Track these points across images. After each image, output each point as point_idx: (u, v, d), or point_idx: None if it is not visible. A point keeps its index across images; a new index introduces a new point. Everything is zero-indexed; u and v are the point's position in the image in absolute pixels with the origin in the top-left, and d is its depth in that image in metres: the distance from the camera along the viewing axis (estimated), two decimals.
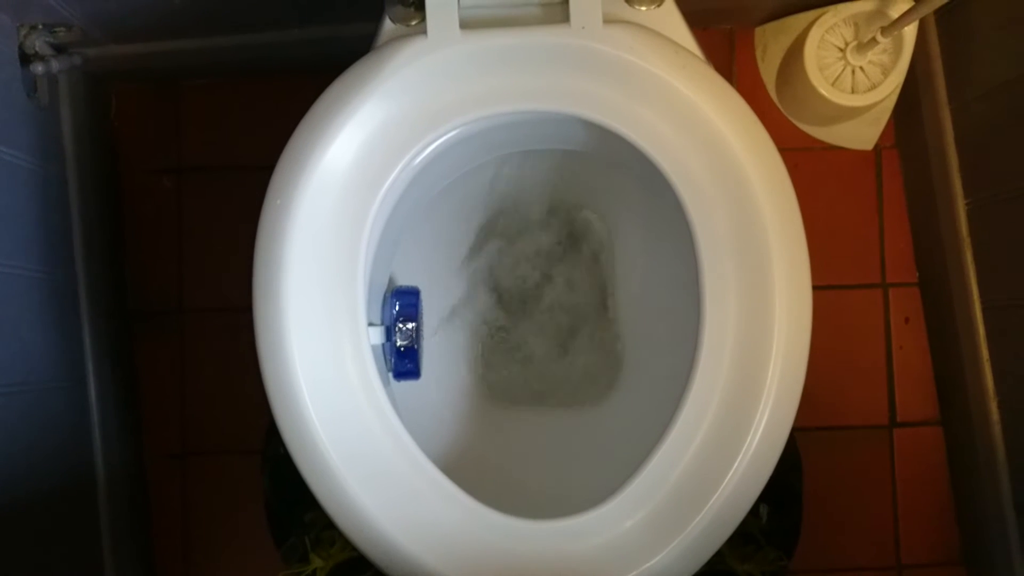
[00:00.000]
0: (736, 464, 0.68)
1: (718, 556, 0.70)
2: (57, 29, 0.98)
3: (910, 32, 1.01)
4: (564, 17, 0.71)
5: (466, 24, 0.71)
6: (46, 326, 0.97)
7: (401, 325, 0.78)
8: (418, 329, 0.79)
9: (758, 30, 1.13)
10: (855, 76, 1.03)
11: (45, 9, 0.93)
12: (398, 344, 0.78)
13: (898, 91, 1.04)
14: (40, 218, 0.97)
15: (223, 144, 1.15)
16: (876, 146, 1.12)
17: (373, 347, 0.71)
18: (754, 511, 0.94)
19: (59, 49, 1.00)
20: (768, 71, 1.12)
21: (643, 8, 0.73)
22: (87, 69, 1.06)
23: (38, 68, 0.96)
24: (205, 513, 1.13)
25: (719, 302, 0.69)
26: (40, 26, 0.96)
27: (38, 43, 0.96)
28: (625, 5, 0.73)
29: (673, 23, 0.74)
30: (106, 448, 1.05)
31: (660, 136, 0.70)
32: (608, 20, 0.71)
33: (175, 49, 1.05)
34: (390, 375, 0.79)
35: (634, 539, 0.67)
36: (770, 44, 1.11)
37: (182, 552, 1.13)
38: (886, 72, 1.03)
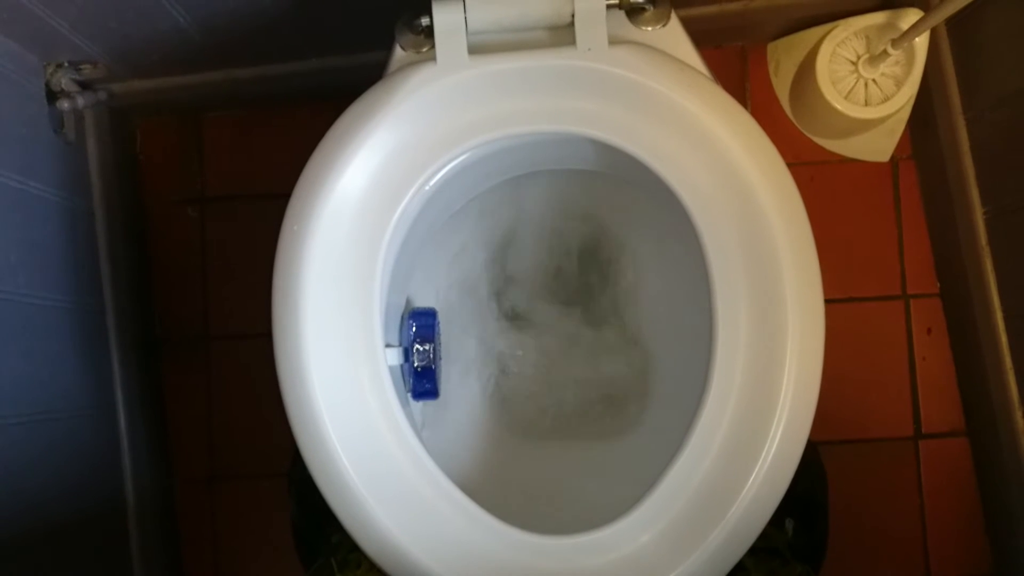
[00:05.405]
0: (753, 476, 0.68)
1: (743, 571, 0.70)
2: (82, 66, 1.00)
3: (921, 43, 1.01)
4: (570, 40, 0.72)
5: (474, 50, 0.72)
6: (75, 355, 0.99)
7: (419, 346, 0.79)
8: (435, 349, 0.80)
9: (770, 46, 1.13)
10: (868, 88, 1.03)
11: (71, 47, 0.96)
12: (416, 365, 0.79)
13: (912, 102, 1.04)
14: (68, 250, 0.99)
15: (245, 173, 1.17)
16: (892, 157, 1.12)
17: (391, 368, 0.72)
18: (780, 525, 0.94)
19: (84, 86, 1.03)
20: (781, 86, 1.13)
21: (648, 28, 0.74)
22: (112, 104, 1.08)
23: (64, 105, 0.99)
24: (234, 536, 1.14)
25: (730, 317, 0.69)
26: (66, 64, 0.99)
27: (64, 80, 0.99)
28: (630, 26, 0.74)
29: (678, 42, 0.75)
30: (135, 474, 1.06)
31: (668, 154, 0.71)
32: (614, 41, 0.72)
33: (196, 83, 1.08)
34: (409, 396, 0.80)
35: (652, 553, 0.68)
36: (782, 60, 1.11)
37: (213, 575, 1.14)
38: (899, 84, 1.03)
